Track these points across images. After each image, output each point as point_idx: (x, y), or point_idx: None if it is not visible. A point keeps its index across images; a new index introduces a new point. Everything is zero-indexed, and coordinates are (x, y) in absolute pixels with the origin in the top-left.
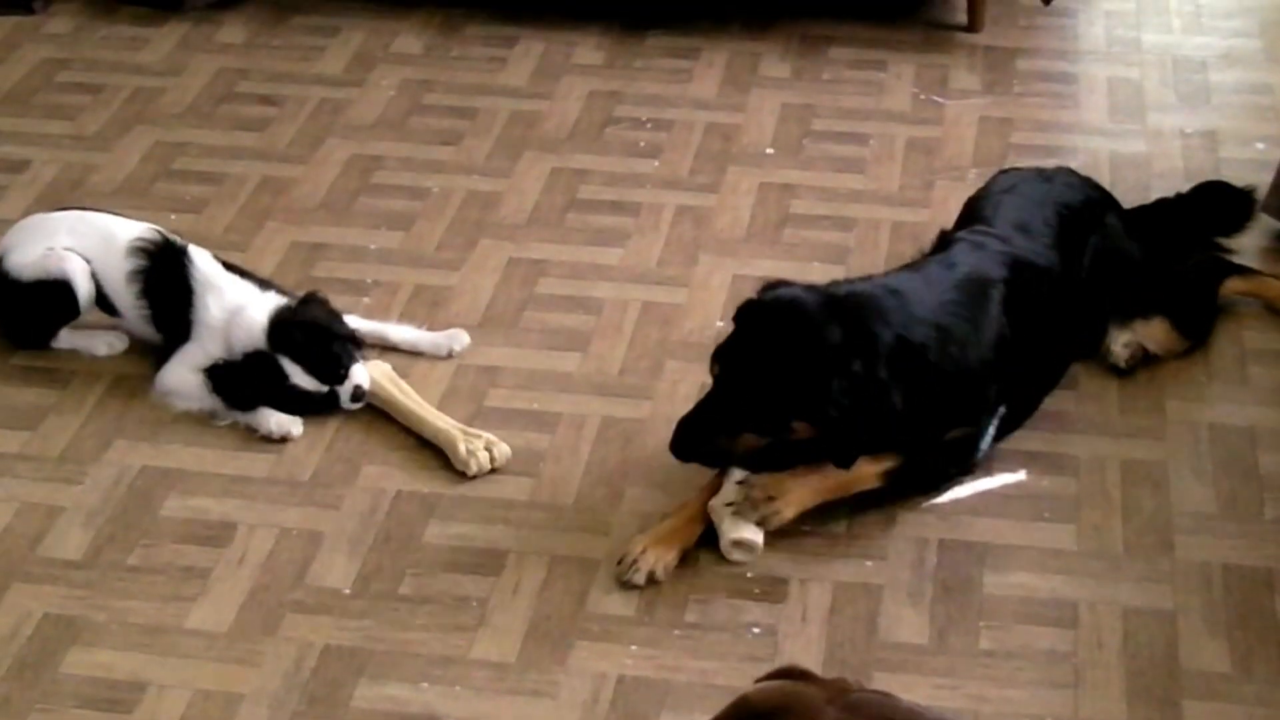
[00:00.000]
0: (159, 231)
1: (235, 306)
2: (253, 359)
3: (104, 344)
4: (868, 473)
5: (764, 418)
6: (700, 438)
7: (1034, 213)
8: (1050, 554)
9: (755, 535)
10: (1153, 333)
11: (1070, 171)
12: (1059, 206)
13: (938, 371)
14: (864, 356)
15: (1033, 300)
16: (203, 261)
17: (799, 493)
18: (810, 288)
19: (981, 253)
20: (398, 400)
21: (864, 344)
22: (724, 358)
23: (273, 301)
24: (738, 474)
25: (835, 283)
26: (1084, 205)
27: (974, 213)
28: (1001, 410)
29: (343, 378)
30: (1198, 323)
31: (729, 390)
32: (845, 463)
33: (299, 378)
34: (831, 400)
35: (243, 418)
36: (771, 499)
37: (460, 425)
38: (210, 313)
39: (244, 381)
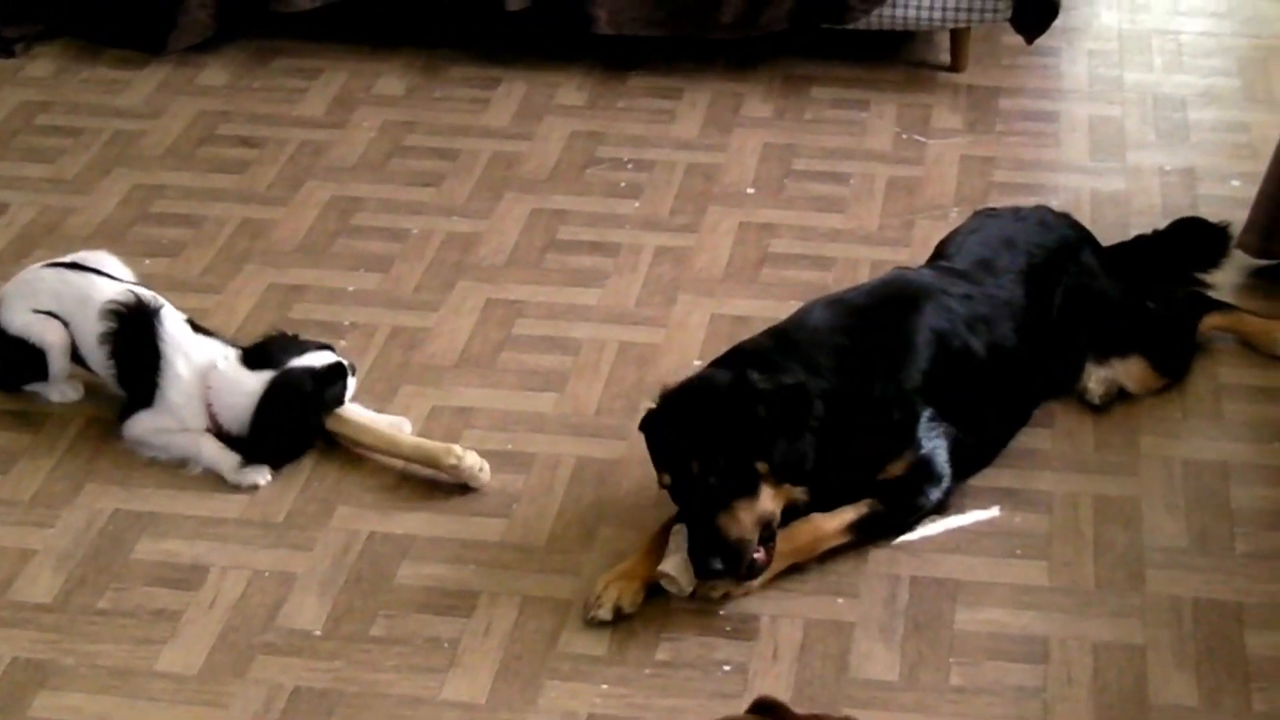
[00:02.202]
0: (134, 293)
1: (204, 376)
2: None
3: (58, 392)
4: (831, 529)
5: (731, 474)
6: (711, 538)
7: (999, 250)
8: (1022, 590)
9: (682, 576)
10: (1130, 371)
11: (1047, 210)
12: (1030, 244)
13: (848, 389)
14: (761, 373)
15: (979, 331)
16: (174, 325)
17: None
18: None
19: (909, 284)
20: (369, 429)
21: (757, 364)
22: (666, 461)
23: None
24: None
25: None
26: (1058, 243)
27: (940, 251)
28: (952, 433)
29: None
30: (1176, 361)
31: (690, 478)
32: (792, 477)
33: None
34: (764, 421)
35: (213, 465)
36: None
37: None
38: (179, 378)
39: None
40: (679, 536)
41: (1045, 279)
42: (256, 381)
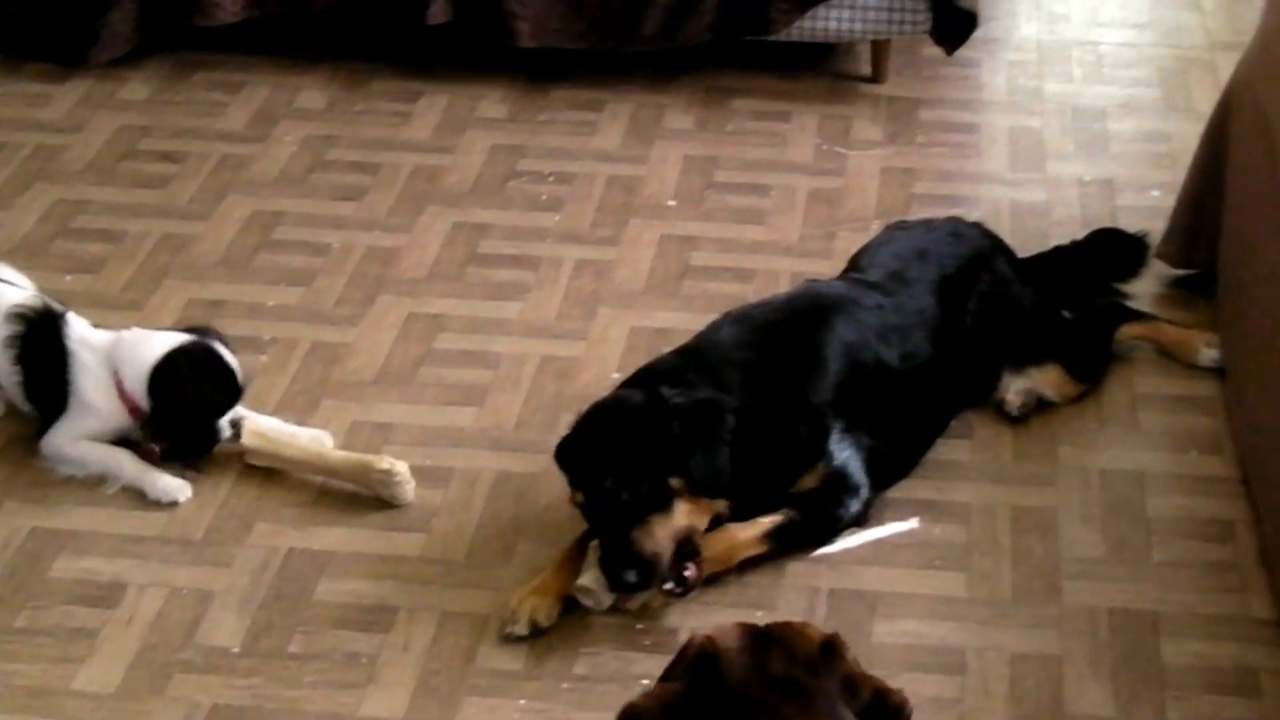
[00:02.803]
0: (39, 298)
1: (111, 355)
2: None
3: None
4: (747, 538)
5: (645, 490)
6: (625, 553)
7: (911, 261)
8: (939, 601)
9: (599, 589)
10: (1047, 379)
11: (959, 221)
12: (942, 255)
13: (756, 404)
14: (671, 389)
15: (892, 341)
16: (78, 326)
17: None
18: None
19: (817, 295)
20: (295, 445)
21: (667, 382)
22: (580, 480)
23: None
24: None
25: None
26: (970, 253)
27: (853, 264)
28: (867, 444)
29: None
30: (1091, 367)
31: (604, 495)
32: (708, 490)
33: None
34: (677, 437)
35: (132, 482)
36: None
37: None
38: (88, 368)
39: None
40: (596, 551)
41: (958, 289)
42: (162, 344)
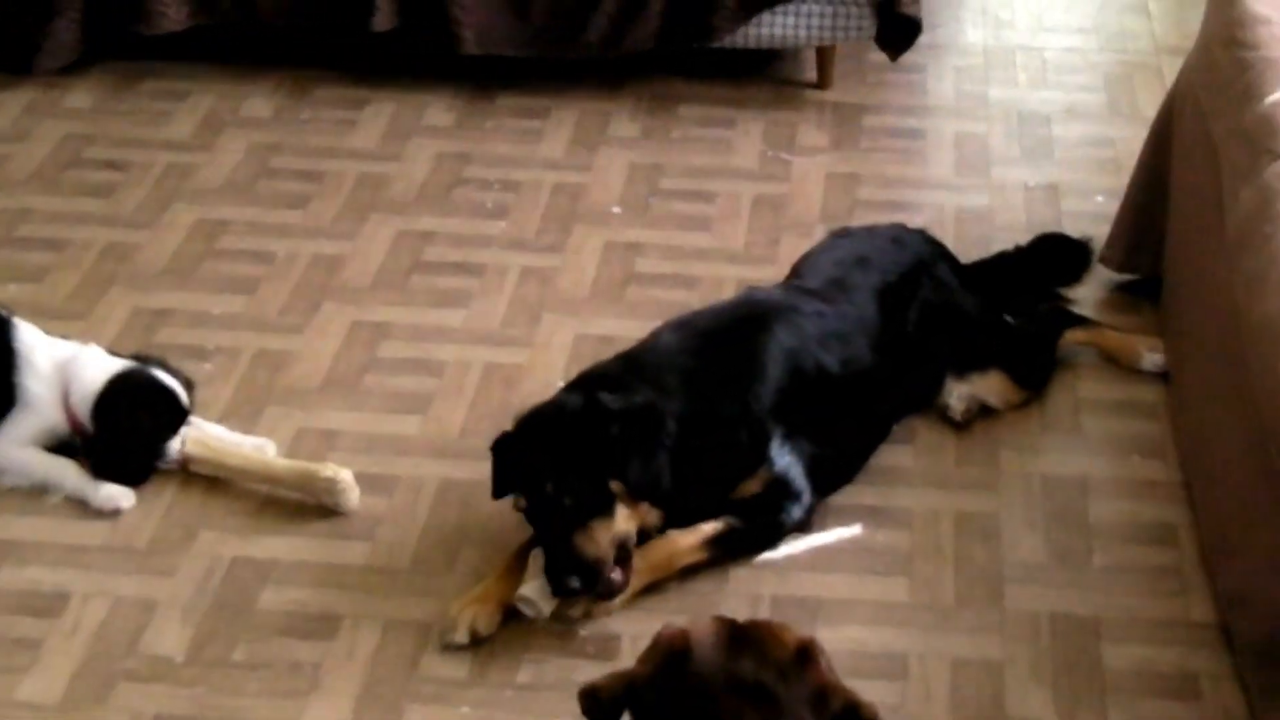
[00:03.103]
0: None
1: (64, 369)
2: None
3: None
4: (688, 545)
5: (587, 495)
6: (566, 556)
7: (852, 268)
8: (882, 607)
9: (540, 599)
10: (990, 385)
11: (901, 227)
12: (883, 261)
13: (697, 410)
14: (611, 394)
15: (832, 348)
16: (28, 330)
17: None
18: None
19: (758, 303)
20: (239, 455)
21: (607, 387)
22: (521, 483)
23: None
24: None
25: None
26: (912, 259)
27: (795, 271)
28: (808, 450)
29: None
30: (1035, 373)
31: (546, 499)
32: (647, 494)
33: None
34: (617, 441)
35: (75, 491)
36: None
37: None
38: (38, 372)
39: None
40: (538, 560)
41: (900, 295)
42: (109, 370)
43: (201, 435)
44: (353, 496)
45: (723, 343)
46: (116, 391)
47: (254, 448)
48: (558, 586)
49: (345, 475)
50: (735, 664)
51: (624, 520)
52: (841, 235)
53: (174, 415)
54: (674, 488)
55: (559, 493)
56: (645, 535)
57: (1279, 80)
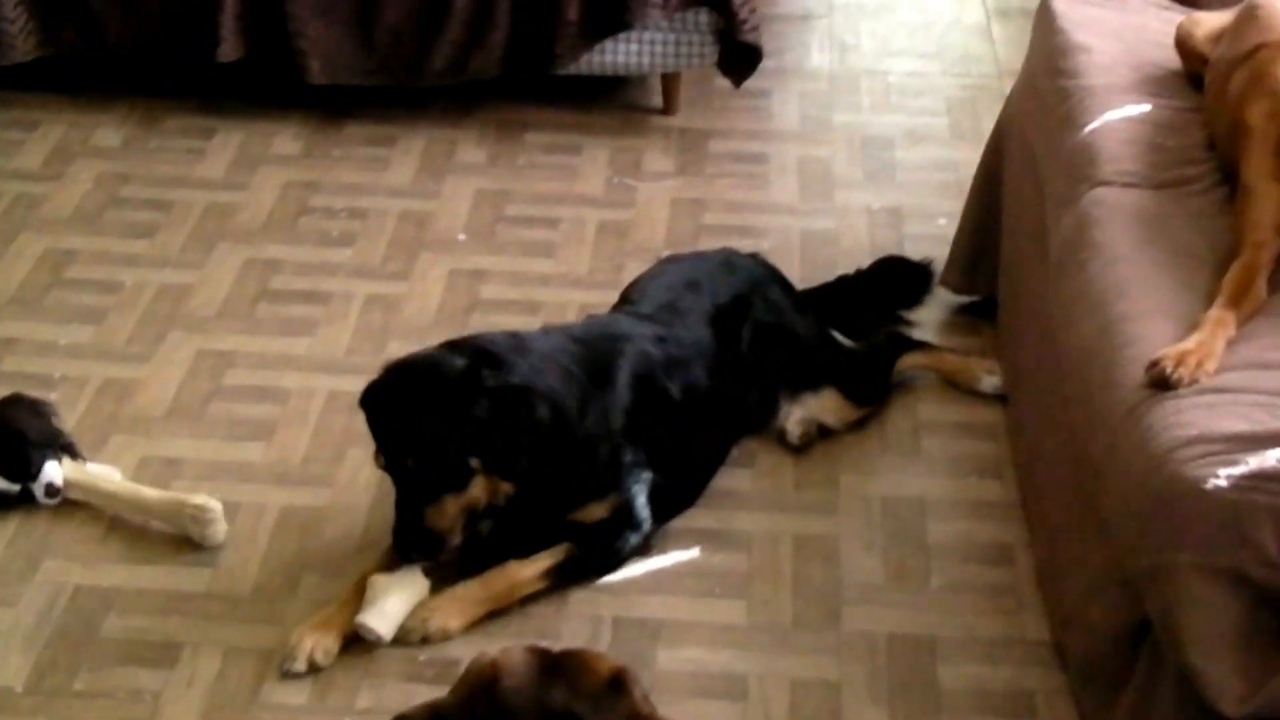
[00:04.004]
0: None
1: None
2: None
3: None
4: (528, 576)
5: (444, 470)
6: (411, 525)
7: (683, 292)
8: (721, 629)
9: (379, 625)
10: (825, 404)
11: (732, 251)
12: (714, 285)
13: (560, 424)
14: (493, 370)
15: (672, 373)
16: None
17: (461, 606)
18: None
19: (610, 325)
20: (107, 484)
21: (491, 361)
22: (382, 442)
23: None
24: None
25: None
26: (744, 282)
27: (625, 297)
28: (648, 477)
29: (33, 475)
30: (869, 390)
31: (405, 466)
32: (509, 474)
33: None
34: (482, 422)
35: None
36: (428, 619)
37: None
38: None
39: None
40: (375, 586)
41: (732, 317)
42: None
43: (87, 467)
44: (219, 528)
45: (593, 356)
46: None
47: (98, 474)
48: (403, 554)
49: (214, 505)
50: (546, 693)
51: (477, 490)
52: (671, 261)
53: (17, 457)
54: (527, 500)
55: (419, 467)
56: (491, 555)
57: (1098, 109)
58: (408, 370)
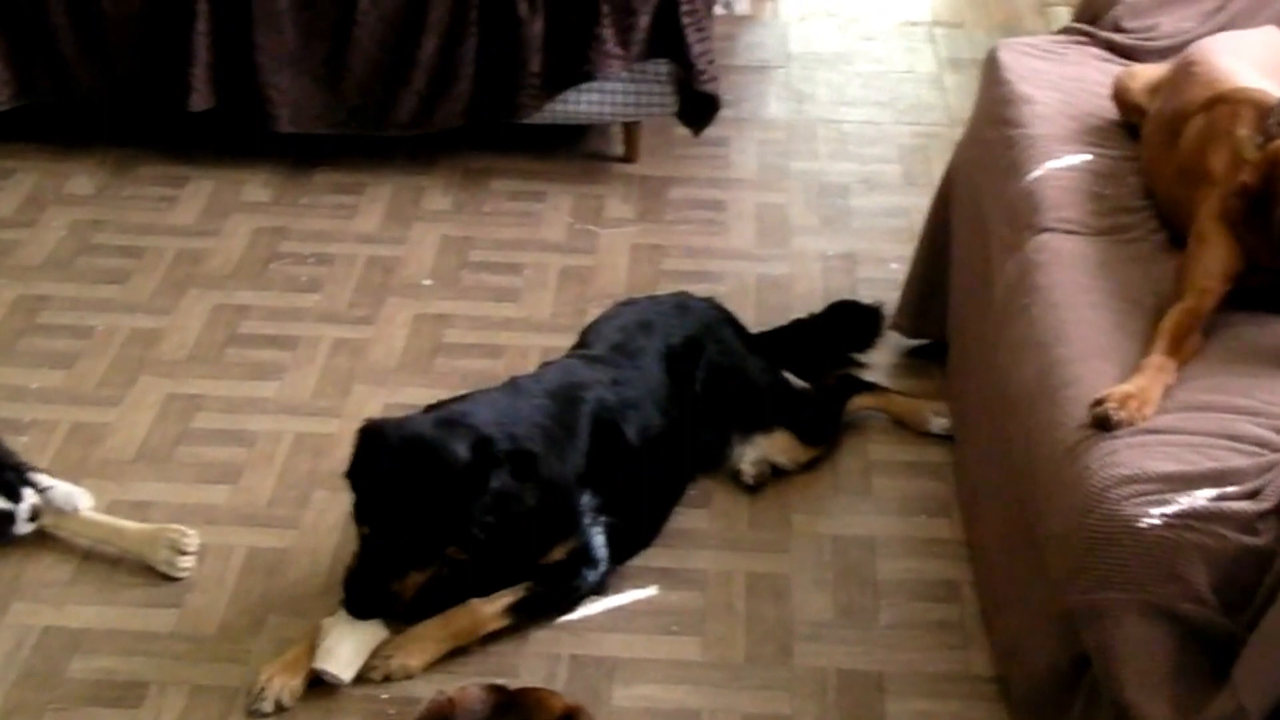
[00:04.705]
0: None
1: None
2: None
3: None
4: (489, 614)
5: (421, 553)
6: (372, 590)
7: (636, 334)
8: (676, 665)
9: (335, 669)
10: (777, 444)
11: (687, 295)
12: (667, 327)
13: (542, 480)
14: (492, 469)
15: (627, 416)
16: None
17: (422, 645)
18: (417, 417)
19: (570, 372)
20: (85, 520)
21: (487, 458)
22: (368, 513)
23: None
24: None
25: (438, 405)
26: (696, 325)
27: (581, 340)
28: (605, 520)
29: (19, 498)
30: (819, 431)
31: (383, 538)
32: (482, 591)
33: None
34: (475, 520)
35: None
36: (390, 657)
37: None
38: None
39: None
40: (331, 630)
41: (685, 359)
42: None
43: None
44: (189, 560)
45: (562, 410)
46: None
47: (66, 495)
48: (355, 612)
49: (193, 534)
50: None
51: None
52: (627, 304)
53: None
54: (495, 548)
55: (396, 544)
56: (455, 594)
57: (1040, 158)
58: (404, 452)
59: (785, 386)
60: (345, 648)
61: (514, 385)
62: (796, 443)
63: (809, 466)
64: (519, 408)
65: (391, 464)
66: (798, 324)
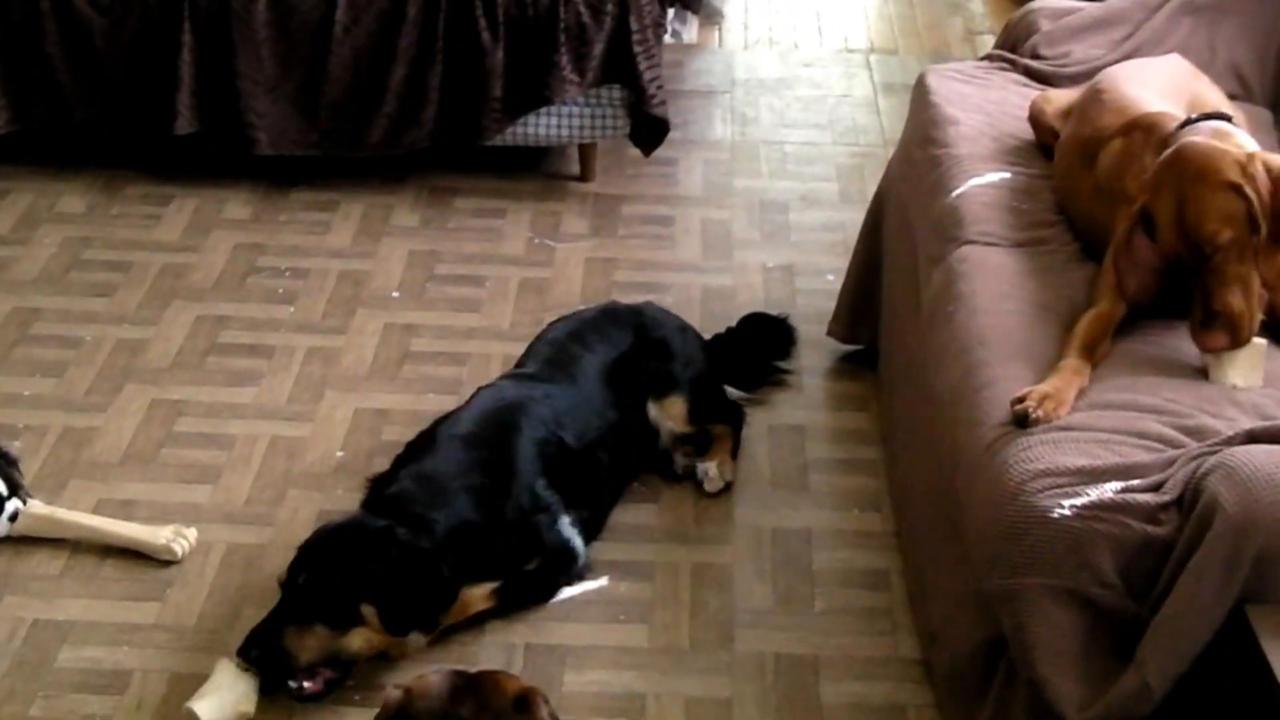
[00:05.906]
0: None
1: None
2: None
3: None
4: (480, 594)
5: (330, 601)
6: (269, 637)
7: (567, 346)
8: (624, 652)
9: (202, 711)
10: (668, 409)
11: (615, 303)
12: (595, 336)
13: (489, 522)
14: (413, 531)
15: (566, 425)
16: None
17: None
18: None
19: (500, 397)
20: (73, 521)
21: (413, 525)
22: (292, 564)
23: None
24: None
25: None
26: (627, 327)
27: (519, 361)
28: (575, 514)
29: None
30: (704, 411)
31: (295, 582)
32: (400, 631)
33: None
34: (392, 580)
35: None
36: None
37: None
38: None
39: None
40: (217, 675)
41: (618, 360)
42: None
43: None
44: (183, 545)
45: (489, 452)
46: None
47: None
48: (243, 654)
49: (180, 544)
50: (455, 711)
51: (358, 639)
52: (558, 320)
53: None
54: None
55: (306, 587)
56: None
57: (964, 176)
58: (335, 531)
59: (700, 363)
60: (215, 699)
61: (433, 439)
62: (685, 414)
63: (689, 440)
64: (441, 473)
65: (319, 539)
66: (717, 339)
